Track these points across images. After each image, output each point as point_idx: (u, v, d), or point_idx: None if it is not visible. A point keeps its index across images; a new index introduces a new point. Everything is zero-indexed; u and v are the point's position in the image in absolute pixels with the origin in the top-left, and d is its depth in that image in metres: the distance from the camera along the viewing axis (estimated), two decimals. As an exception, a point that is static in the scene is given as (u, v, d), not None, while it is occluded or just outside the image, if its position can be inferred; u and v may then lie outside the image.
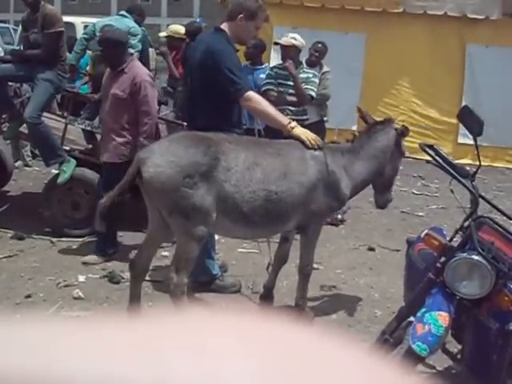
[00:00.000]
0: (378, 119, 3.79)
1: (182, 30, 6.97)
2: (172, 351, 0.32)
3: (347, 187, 3.58)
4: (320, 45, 6.26)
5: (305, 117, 5.46)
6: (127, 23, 6.42)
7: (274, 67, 5.63)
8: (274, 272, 3.93)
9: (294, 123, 3.56)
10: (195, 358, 0.31)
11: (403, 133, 3.67)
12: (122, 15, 6.65)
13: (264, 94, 5.37)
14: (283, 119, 3.63)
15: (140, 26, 6.59)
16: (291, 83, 5.40)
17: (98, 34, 6.20)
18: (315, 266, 4.11)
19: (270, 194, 3.33)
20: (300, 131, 3.51)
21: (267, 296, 3.94)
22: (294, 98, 5.45)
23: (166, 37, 7.17)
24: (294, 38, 5.58)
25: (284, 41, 5.52)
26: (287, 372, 0.32)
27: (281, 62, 5.66)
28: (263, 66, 6.27)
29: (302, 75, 5.42)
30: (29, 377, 0.30)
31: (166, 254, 4.85)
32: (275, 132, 3.91)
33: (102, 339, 0.33)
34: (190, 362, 0.31)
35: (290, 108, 5.39)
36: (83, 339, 0.33)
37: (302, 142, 3.46)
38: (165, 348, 0.32)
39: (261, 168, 3.33)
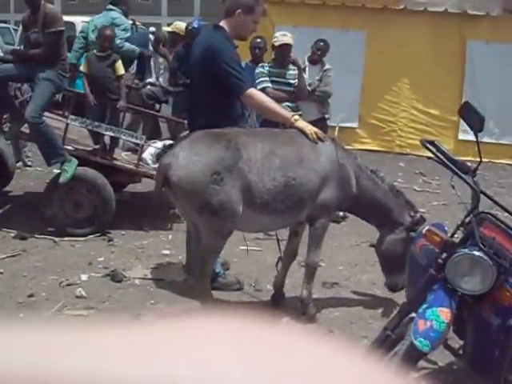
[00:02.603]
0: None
1: None
2: (170, 353, 0.32)
3: (353, 186, 3.66)
4: (322, 43, 6.33)
5: (299, 113, 5.49)
6: (111, 15, 6.60)
7: (265, 65, 5.61)
8: (284, 269, 3.99)
9: (297, 116, 3.72)
10: (192, 360, 0.31)
11: (416, 224, 3.67)
12: (109, 9, 6.80)
13: (263, 92, 5.39)
14: (286, 113, 3.79)
15: (126, 17, 6.76)
16: (285, 80, 5.43)
17: (91, 31, 6.28)
18: (317, 263, 4.12)
19: (289, 180, 3.46)
20: (303, 124, 3.64)
21: (278, 296, 3.99)
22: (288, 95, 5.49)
23: (169, 32, 7.22)
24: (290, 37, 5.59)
25: (289, 40, 5.50)
26: (283, 375, 0.32)
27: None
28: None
29: (291, 72, 5.45)
30: (28, 377, 0.30)
31: (166, 252, 4.86)
32: (271, 128, 3.99)
33: (102, 340, 0.33)
34: (187, 364, 0.31)
35: (289, 104, 5.41)
36: (83, 339, 0.33)
37: (305, 134, 3.56)
38: (164, 349, 0.32)
39: (278, 156, 3.47)
